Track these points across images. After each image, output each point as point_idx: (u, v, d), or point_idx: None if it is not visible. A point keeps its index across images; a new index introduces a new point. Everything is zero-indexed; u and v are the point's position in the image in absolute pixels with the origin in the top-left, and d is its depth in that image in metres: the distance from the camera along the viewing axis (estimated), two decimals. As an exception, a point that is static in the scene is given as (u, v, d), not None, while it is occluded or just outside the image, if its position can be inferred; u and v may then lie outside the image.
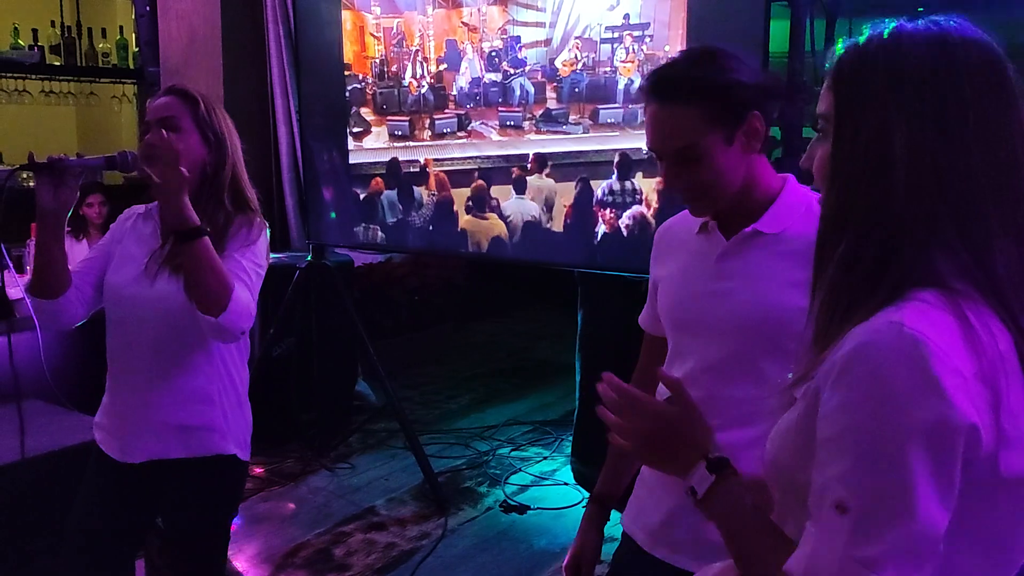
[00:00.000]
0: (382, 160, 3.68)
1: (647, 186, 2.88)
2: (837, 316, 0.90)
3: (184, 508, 1.98)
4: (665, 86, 1.38)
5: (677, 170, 1.38)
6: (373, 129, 3.70)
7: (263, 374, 3.85)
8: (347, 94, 3.75)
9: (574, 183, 3.08)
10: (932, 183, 0.86)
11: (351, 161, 3.79)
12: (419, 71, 3.50)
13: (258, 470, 3.86)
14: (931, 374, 0.80)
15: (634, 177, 2.91)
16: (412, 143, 3.58)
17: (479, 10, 3.31)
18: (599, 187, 2.99)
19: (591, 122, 3.02)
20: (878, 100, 0.89)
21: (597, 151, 3.01)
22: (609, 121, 2.97)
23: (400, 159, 3.62)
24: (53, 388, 2.82)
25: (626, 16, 2.88)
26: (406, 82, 3.55)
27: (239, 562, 3.13)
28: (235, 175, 1.97)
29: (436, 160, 3.49)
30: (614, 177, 2.96)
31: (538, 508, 3.58)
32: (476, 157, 3.38)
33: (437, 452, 4.09)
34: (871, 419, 0.82)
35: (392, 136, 3.63)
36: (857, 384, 0.83)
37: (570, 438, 4.04)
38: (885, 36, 0.91)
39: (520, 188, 3.24)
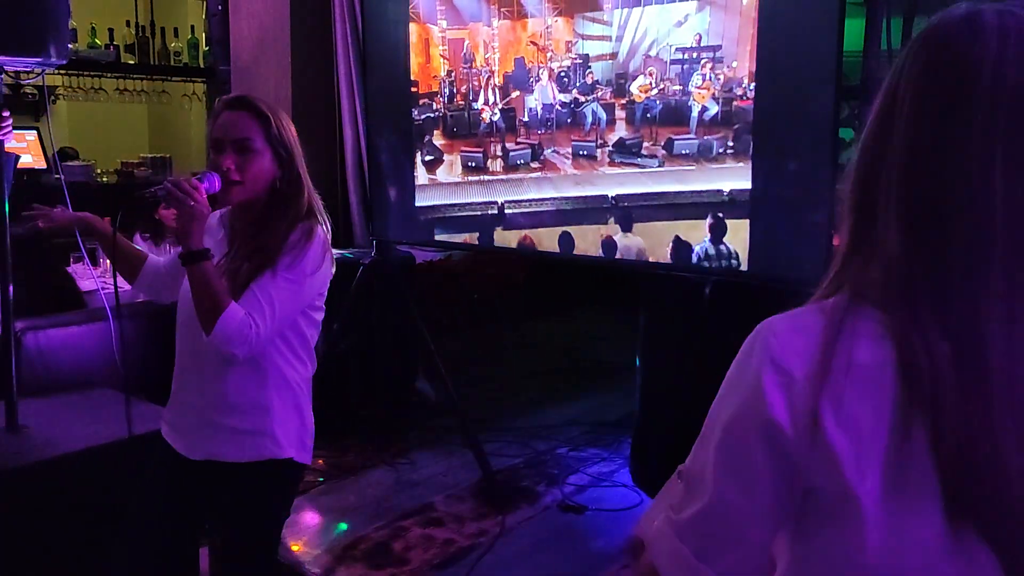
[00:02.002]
0: (461, 202, 3.67)
1: (741, 246, 2.84)
2: None
3: (237, 511, 2.04)
4: None
5: None
6: (445, 157, 3.70)
7: (326, 369, 3.89)
8: (418, 119, 3.76)
9: (668, 244, 3.05)
10: (854, 187, 0.87)
11: (432, 202, 3.78)
12: (492, 98, 3.50)
13: (319, 463, 3.91)
14: (753, 365, 0.83)
15: (727, 239, 2.87)
16: (486, 176, 3.57)
17: (545, 23, 3.29)
18: (692, 250, 2.97)
19: (665, 152, 2.99)
20: (889, 83, 0.87)
21: (676, 192, 2.98)
22: (684, 152, 2.93)
23: (476, 201, 3.61)
24: (124, 377, 2.90)
25: (698, 36, 2.84)
26: (477, 106, 3.55)
27: (299, 553, 3.17)
28: (307, 188, 2.01)
29: (513, 202, 3.48)
30: (707, 240, 2.91)
31: (596, 509, 3.56)
32: (553, 199, 3.36)
33: (495, 450, 4.09)
34: (715, 403, 0.88)
35: (466, 168, 3.64)
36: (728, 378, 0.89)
37: (628, 440, 4.01)
38: (934, 18, 0.88)
39: (610, 251, 3.24)
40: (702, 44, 2.83)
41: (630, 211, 3.13)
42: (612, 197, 3.16)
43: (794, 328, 0.84)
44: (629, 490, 3.73)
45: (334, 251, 2.07)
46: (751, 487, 0.84)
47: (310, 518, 3.44)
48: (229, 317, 1.81)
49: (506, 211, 3.52)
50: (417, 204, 3.83)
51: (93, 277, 3.48)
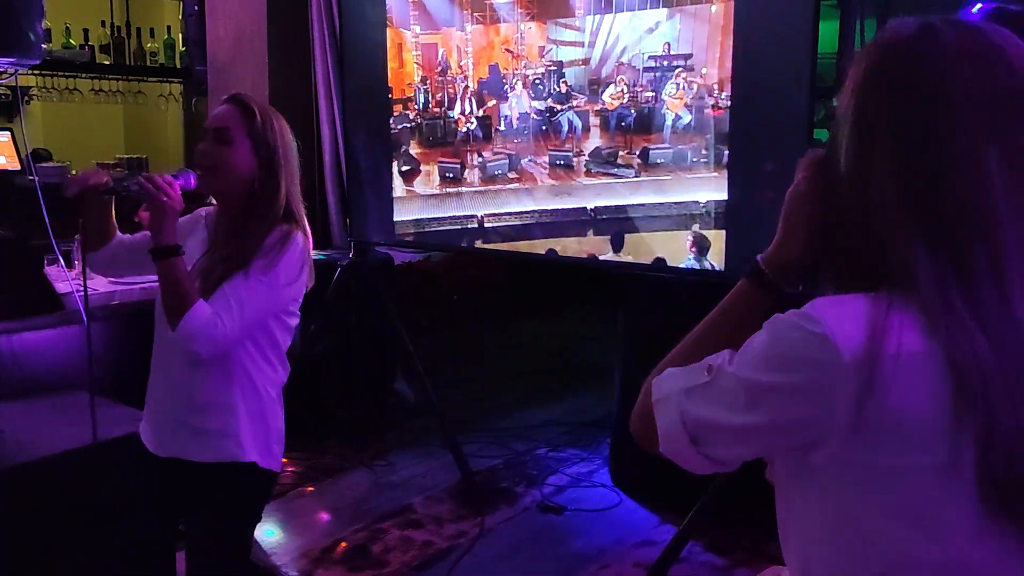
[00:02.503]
0: (440, 216, 3.63)
1: (721, 259, 2.84)
2: None
3: (204, 512, 2.03)
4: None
5: None
6: (422, 168, 3.68)
7: (303, 371, 3.88)
8: (394, 129, 3.74)
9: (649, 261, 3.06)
10: (857, 196, 0.90)
11: (410, 216, 3.75)
12: (468, 108, 3.49)
13: (296, 466, 3.89)
14: (801, 341, 0.87)
15: (710, 256, 2.87)
16: (464, 188, 3.56)
17: (518, 28, 3.28)
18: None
19: (640, 162, 2.99)
20: (857, 102, 0.92)
21: (654, 203, 2.97)
22: (659, 162, 2.94)
23: (456, 215, 3.58)
24: (98, 380, 2.87)
25: (667, 45, 2.85)
26: (453, 114, 3.54)
27: (276, 557, 3.15)
28: (285, 191, 1.99)
29: (492, 215, 3.45)
30: (691, 259, 2.92)
31: (575, 509, 3.57)
32: (533, 212, 3.35)
33: (475, 451, 4.09)
34: (755, 345, 0.92)
35: (443, 179, 3.62)
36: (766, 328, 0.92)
37: (608, 440, 4.02)
38: (886, 34, 0.93)
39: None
40: (671, 52, 2.84)
41: (621, 233, 3.10)
42: (591, 209, 3.15)
43: (842, 313, 0.87)
44: (608, 490, 3.73)
45: (314, 252, 2.06)
46: (768, 439, 0.92)
47: (287, 520, 3.43)
48: (195, 314, 1.81)
49: (486, 224, 3.50)
50: (396, 219, 3.81)
51: (68, 279, 3.45)
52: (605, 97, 3.05)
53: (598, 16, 3.04)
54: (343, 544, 3.25)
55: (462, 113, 3.50)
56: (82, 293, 2.80)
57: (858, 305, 0.87)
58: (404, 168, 3.73)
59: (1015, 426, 0.82)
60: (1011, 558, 0.86)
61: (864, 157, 0.90)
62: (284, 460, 2.13)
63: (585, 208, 3.17)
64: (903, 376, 0.83)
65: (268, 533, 3.29)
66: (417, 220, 3.74)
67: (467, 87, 3.48)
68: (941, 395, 0.83)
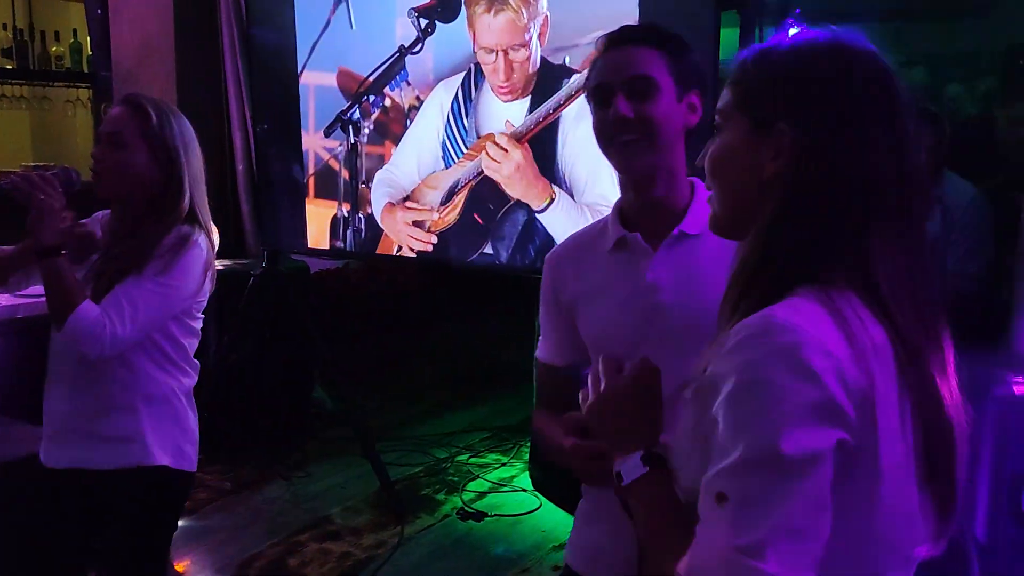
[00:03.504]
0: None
1: None
2: (727, 313, 0.94)
3: (115, 528, 1.97)
4: (629, 31, 1.43)
5: (628, 103, 1.39)
6: (338, 182, 3.61)
7: (219, 381, 3.80)
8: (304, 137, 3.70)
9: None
10: (815, 190, 0.90)
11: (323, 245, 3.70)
12: (371, 124, 3.44)
13: (212, 478, 3.81)
14: (801, 360, 0.81)
15: None
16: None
17: (423, 30, 3.22)
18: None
19: (560, 180, 2.98)
20: (773, 104, 0.93)
21: (574, 223, 2.87)
22: (576, 181, 2.90)
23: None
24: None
25: (565, 56, 2.85)
26: (368, 124, 3.47)
27: (190, 572, 3.08)
28: (187, 193, 1.94)
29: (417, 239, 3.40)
30: None
31: (496, 515, 3.57)
32: (458, 230, 3.28)
33: (395, 459, 4.06)
34: (749, 411, 0.83)
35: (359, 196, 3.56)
36: (738, 376, 0.84)
37: (528, 444, 4.03)
38: (788, 42, 0.95)
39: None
40: (567, 63, 2.84)
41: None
42: (517, 228, 3.10)
43: (805, 314, 0.84)
44: (528, 495, 3.74)
45: (227, 261, 2.03)
46: (822, 483, 0.82)
47: (202, 536, 3.35)
48: (80, 314, 1.77)
49: (413, 247, 3.43)
50: (310, 246, 3.75)
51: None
52: (517, 107, 3.02)
53: (497, 15, 3.00)
54: (260, 559, 3.19)
55: (371, 128, 3.45)
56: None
57: (809, 304, 0.85)
58: (319, 185, 3.67)
59: (937, 409, 0.89)
60: (928, 523, 0.92)
61: (820, 157, 0.90)
62: (199, 474, 2.08)
63: (512, 228, 3.12)
64: (880, 366, 0.85)
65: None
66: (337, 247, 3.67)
67: (377, 97, 3.42)
68: (898, 382, 0.87)
